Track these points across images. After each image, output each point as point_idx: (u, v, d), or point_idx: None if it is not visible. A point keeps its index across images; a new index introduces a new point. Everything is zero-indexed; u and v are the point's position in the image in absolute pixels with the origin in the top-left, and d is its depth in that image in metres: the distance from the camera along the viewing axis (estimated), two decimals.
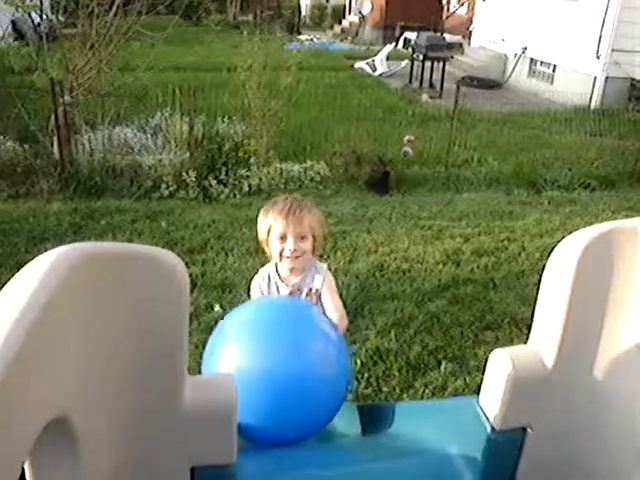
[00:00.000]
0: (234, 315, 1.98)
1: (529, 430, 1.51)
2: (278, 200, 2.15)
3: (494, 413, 1.49)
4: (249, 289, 2.29)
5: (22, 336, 0.76)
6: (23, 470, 0.93)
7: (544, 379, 1.46)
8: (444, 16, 18.45)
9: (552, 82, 12.36)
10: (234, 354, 1.81)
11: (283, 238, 2.07)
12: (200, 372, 2.02)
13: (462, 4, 18.42)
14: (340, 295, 2.25)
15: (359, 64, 14.80)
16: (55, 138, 6.16)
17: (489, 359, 1.53)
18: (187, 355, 1.27)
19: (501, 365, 1.46)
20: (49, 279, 0.88)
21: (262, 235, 2.13)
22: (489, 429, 1.51)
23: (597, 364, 1.46)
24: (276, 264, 2.18)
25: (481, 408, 1.54)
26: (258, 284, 2.21)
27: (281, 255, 2.09)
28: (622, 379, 1.42)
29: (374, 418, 2.06)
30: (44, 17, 6.86)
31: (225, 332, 1.91)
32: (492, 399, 1.50)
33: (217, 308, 3.98)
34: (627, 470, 1.41)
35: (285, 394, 1.74)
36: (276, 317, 1.94)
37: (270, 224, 2.08)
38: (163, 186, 6.08)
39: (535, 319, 1.52)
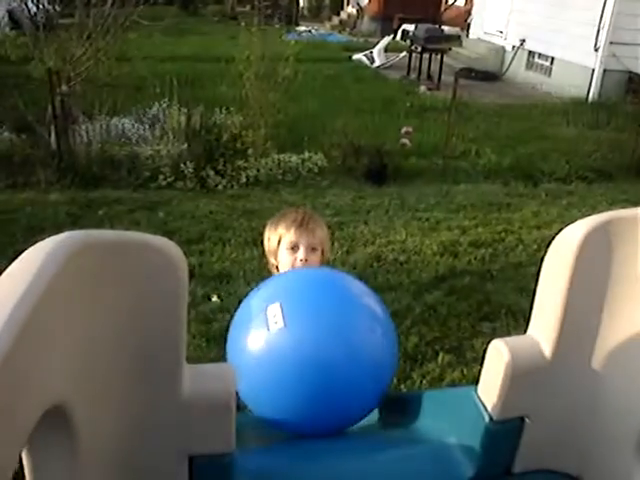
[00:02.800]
0: (263, 287, 1.74)
1: (527, 420, 1.52)
2: (288, 212, 2.10)
3: (492, 403, 1.48)
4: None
5: (19, 324, 0.75)
6: (20, 460, 0.93)
7: (543, 369, 1.46)
8: (442, 8, 18.43)
9: (550, 74, 12.35)
10: (264, 333, 1.57)
11: (294, 248, 2.00)
12: (204, 360, 1.95)
13: None
14: None
15: (357, 56, 14.78)
16: (52, 128, 6.15)
17: (487, 349, 1.54)
18: (185, 344, 1.28)
19: (499, 355, 1.45)
20: (46, 267, 0.87)
21: (271, 246, 2.06)
22: (487, 419, 1.50)
23: (596, 354, 1.45)
24: None
25: (479, 398, 1.54)
26: None
27: (293, 267, 2.01)
28: (622, 369, 1.41)
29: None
30: (41, 7, 6.84)
31: (253, 307, 1.67)
32: (490, 389, 1.49)
33: (214, 299, 4.00)
34: (627, 460, 1.42)
35: (325, 381, 1.54)
36: (314, 288, 1.70)
37: (281, 234, 2.02)
38: (161, 177, 6.08)
39: (534, 309, 1.52)
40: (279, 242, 2.03)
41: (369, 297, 1.74)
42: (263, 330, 1.56)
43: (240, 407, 1.98)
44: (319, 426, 1.62)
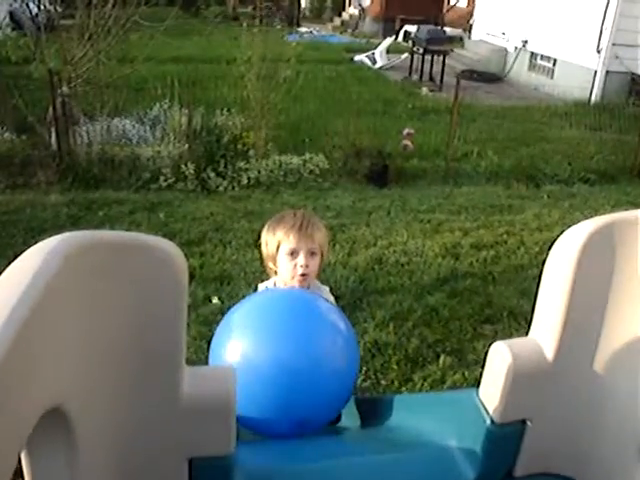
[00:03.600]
0: (243, 305, 1.91)
1: (529, 423, 1.50)
2: (285, 215, 2.06)
3: (494, 406, 1.48)
4: None
5: (19, 325, 0.75)
6: (19, 460, 0.92)
7: (544, 372, 1.45)
8: (444, 9, 18.44)
9: (552, 76, 12.35)
10: (242, 344, 1.77)
11: (294, 254, 1.97)
12: (204, 362, 1.98)
13: None
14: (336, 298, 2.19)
15: (359, 57, 14.79)
16: (53, 129, 6.15)
17: (489, 351, 1.52)
18: (185, 346, 1.27)
19: (501, 357, 1.45)
20: (45, 267, 0.87)
21: (270, 251, 2.03)
22: (488, 422, 1.50)
23: (599, 357, 1.45)
24: (275, 281, 2.09)
25: (480, 401, 1.53)
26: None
27: (293, 274, 1.98)
28: (624, 372, 1.41)
29: (373, 411, 2.06)
30: (42, 7, 6.84)
31: (233, 322, 1.85)
32: (492, 392, 1.49)
33: (215, 300, 3.99)
34: (629, 464, 1.41)
35: (294, 387, 1.70)
36: (285, 307, 1.87)
37: (280, 240, 1.98)
38: (161, 178, 6.07)
39: (535, 312, 1.51)
40: (278, 248, 2.00)
41: (333, 314, 1.91)
42: (240, 343, 1.77)
43: None
44: (289, 427, 1.77)
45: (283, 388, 1.68)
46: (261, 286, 2.15)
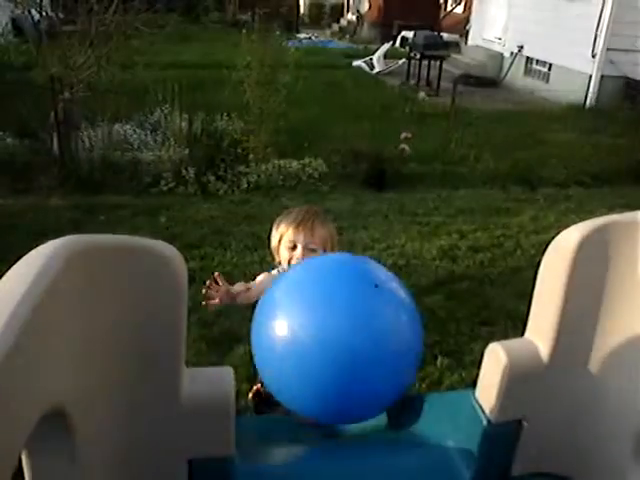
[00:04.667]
0: (287, 277, 1.73)
1: (525, 423, 1.53)
2: (293, 210, 2.15)
3: (490, 406, 1.49)
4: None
5: (19, 326, 0.76)
6: (20, 461, 0.94)
7: (540, 372, 1.46)
8: (441, 15, 18.48)
9: (548, 81, 12.39)
10: (289, 319, 1.52)
11: (293, 248, 2.05)
12: (204, 364, 1.95)
13: (459, 3, 18.45)
14: None
15: (357, 62, 14.83)
16: (55, 134, 6.18)
17: (485, 352, 1.55)
18: (185, 348, 1.29)
19: (496, 358, 1.46)
20: (46, 270, 0.89)
21: (274, 243, 2.13)
22: (485, 422, 1.51)
23: (594, 357, 1.45)
24: (277, 271, 2.16)
25: (477, 401, 1.55)
26: (267, 275, 2.16)
27: (289, 263, 2.06)
28: (619, 372, 1.41)
29: None
30: (44, 14, 6.87)
31: (278, 295, 1.64)
32: (488, 392, 1.50)
33: None
34: (624, 462, 1.43)
35: (350, 367, 1.45)
36: (337, 275, 1.63)
37: (282, 232, 2.08)
38: (162, 182, 6.11)
39: (531, 312, 1.52)
40: (280, 240, 2.09)
41: (393, 282, 1.66)
42: (285, 320, 1.52)
43: (240, 411, 1.99)
44: (343, 413, 1.57)
45: (336, 369, 1.45)
46: (262, 275, 2.19)
